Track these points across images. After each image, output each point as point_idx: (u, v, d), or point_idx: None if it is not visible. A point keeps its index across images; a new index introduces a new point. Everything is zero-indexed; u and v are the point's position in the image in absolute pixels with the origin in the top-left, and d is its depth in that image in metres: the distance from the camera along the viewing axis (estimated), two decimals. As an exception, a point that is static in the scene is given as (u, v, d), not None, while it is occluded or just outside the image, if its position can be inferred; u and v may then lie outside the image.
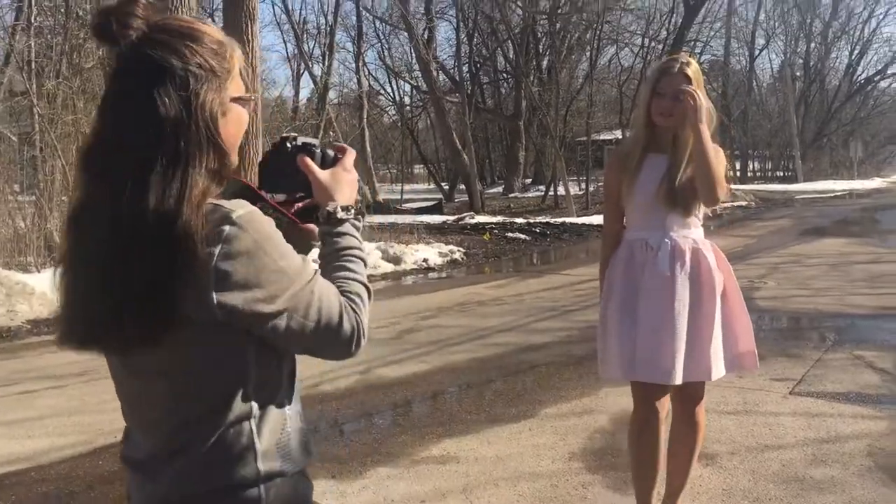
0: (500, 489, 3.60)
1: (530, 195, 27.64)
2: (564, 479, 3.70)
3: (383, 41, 32.00)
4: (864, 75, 43.73)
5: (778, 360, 5.57)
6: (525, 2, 26.14)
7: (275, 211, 1.34)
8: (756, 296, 8.03)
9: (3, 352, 6.71)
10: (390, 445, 4.22)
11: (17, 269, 8.70)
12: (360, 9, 27.76)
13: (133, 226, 1.12)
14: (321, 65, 26.98)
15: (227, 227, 1.14)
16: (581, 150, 27.52)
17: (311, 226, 1.38)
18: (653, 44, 27.55)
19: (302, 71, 30.44)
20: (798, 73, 43.00)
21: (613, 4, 25.59)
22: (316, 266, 1.30)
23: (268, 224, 1.20)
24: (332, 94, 27.14)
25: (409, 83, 32.46)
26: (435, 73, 25.60)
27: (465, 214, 19.17)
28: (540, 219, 18.58)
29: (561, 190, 21.93)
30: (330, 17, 26.83)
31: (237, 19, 7.97)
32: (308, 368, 5.17)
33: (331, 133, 21.77)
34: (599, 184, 20.38)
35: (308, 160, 1.36)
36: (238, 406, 1.22)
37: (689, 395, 2.96)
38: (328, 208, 1.35)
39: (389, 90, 36.23)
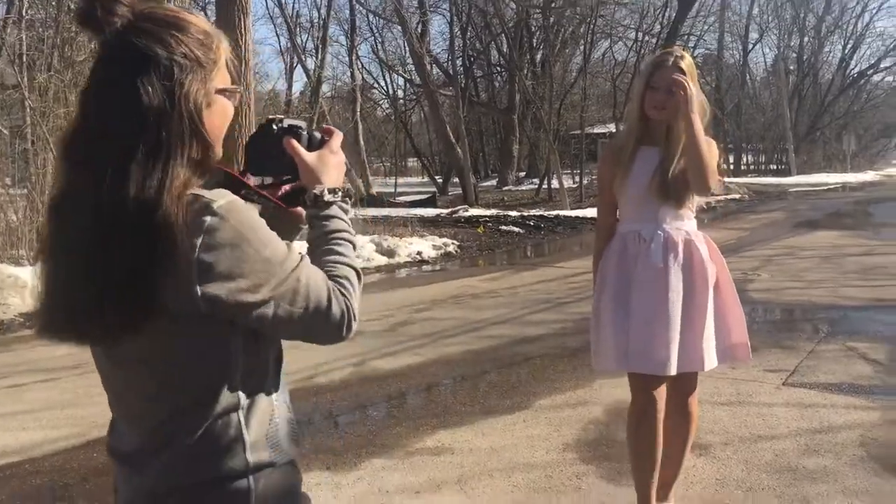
0: (495, 480, 3.61)
1: (524, 188, 27.59)
2: (559, 470, 3.71)
3: (377, 35, 31.83)
4: (857, 69, 44.03)
5: (771, 352, 5.60)
6: (519, -5, 26.09)
7: (260, 197, 1.33)
8: (749, 288, 8.05)
9: (-5, 345, 6.69)
10: (385, 437, 4.22)
11: (9, 262, 8.66)
12: (354, 2, 27.59)
13: (114, 213, 1.11)
14: (314, 58, 26.91)
15: (208, 218, 1.13)
16: (575, 143, 27.47)
17: (299, 209, 1.37)
18: (646, 38, 27.47)
19: (295, 64, 30.24)
20: (791, 67, 43.13)
21: (607, -2, 25.56)
22: (302, 252, 1.29)
23: (250, 212, 1.19)
24: (325, 88, 27.19)
25: (403, 77, 32.32)
26: (428, 67, 25.55)
27: (459, 207, 19.18)
28: (534, 212, 18.57)
29: (555, 183, 21.91)
30: (323, 11, 26.71)
31: (230, 13, 7.97)
32: (302, 361, 5.20)
33: (324, 126, 21.68)
34: (593, 177, 20.35)
35: (294, 142, 1.35)
36: (225, 398, 1.21)
37: (682, 386, 2.97)
38: (315, 191, 1.33)
39: (383, 84, 36.20)
